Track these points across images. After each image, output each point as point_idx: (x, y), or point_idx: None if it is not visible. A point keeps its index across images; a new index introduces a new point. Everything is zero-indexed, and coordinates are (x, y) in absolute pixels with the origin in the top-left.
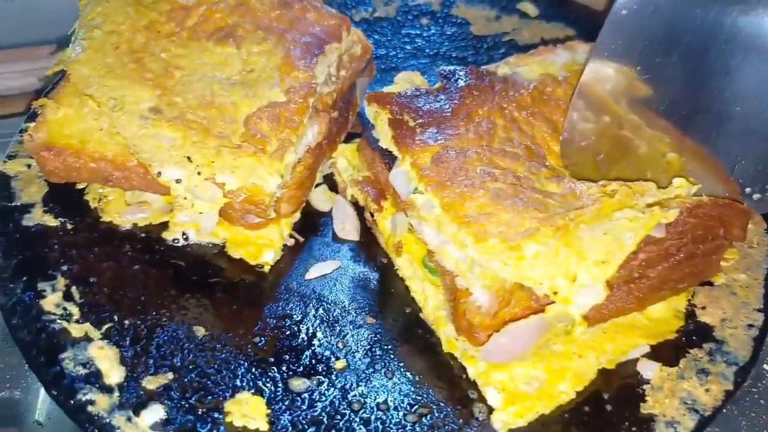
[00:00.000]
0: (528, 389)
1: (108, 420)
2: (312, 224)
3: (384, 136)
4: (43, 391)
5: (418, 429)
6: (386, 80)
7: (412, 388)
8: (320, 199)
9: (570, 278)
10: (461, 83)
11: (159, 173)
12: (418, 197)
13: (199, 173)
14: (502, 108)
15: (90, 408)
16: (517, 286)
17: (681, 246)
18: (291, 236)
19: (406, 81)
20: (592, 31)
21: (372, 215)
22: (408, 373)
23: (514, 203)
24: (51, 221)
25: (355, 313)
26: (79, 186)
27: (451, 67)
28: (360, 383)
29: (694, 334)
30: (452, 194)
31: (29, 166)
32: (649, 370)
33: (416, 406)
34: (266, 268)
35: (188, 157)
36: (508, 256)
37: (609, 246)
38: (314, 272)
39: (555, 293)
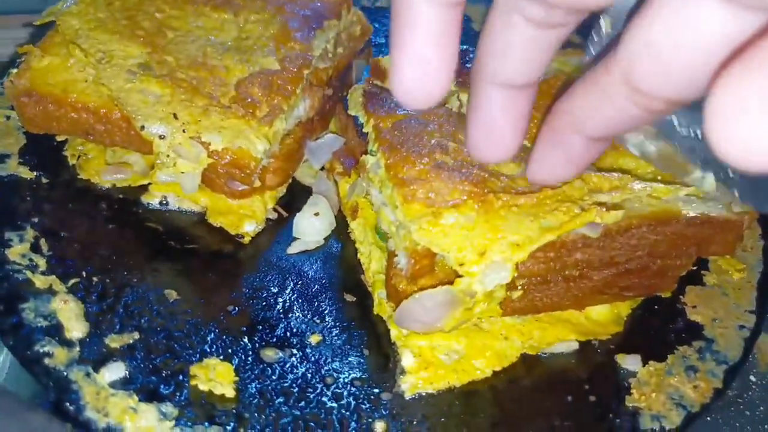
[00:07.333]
0: (445, 359)
1: (65, 374)
2: (298, 201)
3: (355, 103)
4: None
5: (390, 407)
6: None
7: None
8: (305, 174)
9: (480, 253)
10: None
11: (142, 127)
12: (369, 158)
13: (184, 131)
14: None
15: (47, 360)
16: (433, 254)
17: (632, 257)
18: (275, 210)
19: None
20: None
21: (335, 180)
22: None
23: (453, 175)
24: (26, 173)
25: (335, 290)
26: (59, 139)
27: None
28: (335, 358)
29: (683, 332)
30: (398, 157)
31: (8, 117)
32: (633, 363)
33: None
34: (246, 239)
35: (174, 114)
36: (427, 220)
37: (530, 231)
38: (295, 247)
39: (461, 265)
